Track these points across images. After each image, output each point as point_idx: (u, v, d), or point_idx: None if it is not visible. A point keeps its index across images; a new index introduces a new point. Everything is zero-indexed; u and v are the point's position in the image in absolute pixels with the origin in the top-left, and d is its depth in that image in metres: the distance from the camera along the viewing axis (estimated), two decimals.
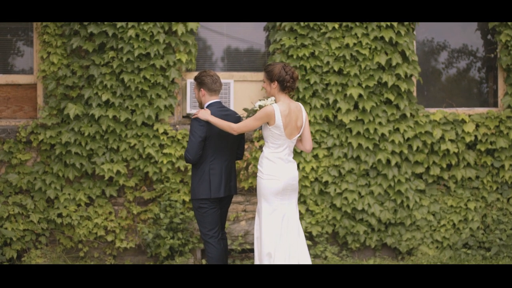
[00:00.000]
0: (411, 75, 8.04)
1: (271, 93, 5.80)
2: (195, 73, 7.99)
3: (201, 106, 6.09)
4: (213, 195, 5.91)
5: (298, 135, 5.78)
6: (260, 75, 8.00)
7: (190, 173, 7.77)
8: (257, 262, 5.73)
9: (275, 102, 5.75)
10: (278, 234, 5.64)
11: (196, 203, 5.96)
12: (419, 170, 8.08)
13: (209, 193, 5.91)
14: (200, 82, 6.05)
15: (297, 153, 7.90)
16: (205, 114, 5.82)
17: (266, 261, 5.61)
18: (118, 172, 7.82)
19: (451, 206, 8.15)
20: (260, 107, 5.77)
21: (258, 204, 5.80)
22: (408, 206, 8.05)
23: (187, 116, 8.03)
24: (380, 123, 7.99)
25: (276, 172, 5.68)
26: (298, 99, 7.91)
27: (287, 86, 5.74)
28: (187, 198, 7.81)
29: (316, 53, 7.93)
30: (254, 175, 7.93)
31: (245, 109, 5.91)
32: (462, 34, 8.54)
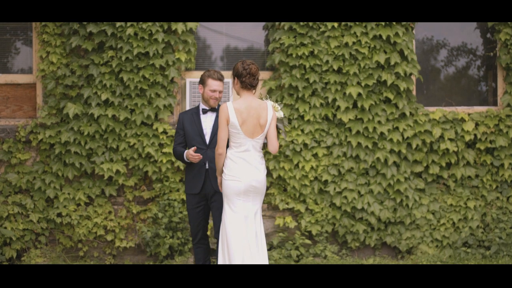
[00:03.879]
0: (410, 74, 8.03)
1: (236, 90, 5.63)
2: (195, 72, 8.01)
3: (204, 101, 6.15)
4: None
5: (263, 134, 5.56)
6: (260, 74, 7.97)
7: None
8: (220, 259, 5.61)
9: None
10: (240, 235, 5.49)
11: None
12: (419, 169, 8.08)
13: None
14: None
15: (296, 152, 7.89)
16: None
17: (230, 259, 5.51)
18: (117, 171, 7.82)
19: (451, 205, 8.14)
20: None
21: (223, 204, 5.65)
22: (407, 205, 8.05)
23: None
24: (379, 122, 7.99)
25: (237, 173, 5.51)
26: (298, 98, 7.90)
27: (243, 82, 5.55)
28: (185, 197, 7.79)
29: (316, 52, 7.92)
30: None
31: None
32: (462, 33, 8.53)
